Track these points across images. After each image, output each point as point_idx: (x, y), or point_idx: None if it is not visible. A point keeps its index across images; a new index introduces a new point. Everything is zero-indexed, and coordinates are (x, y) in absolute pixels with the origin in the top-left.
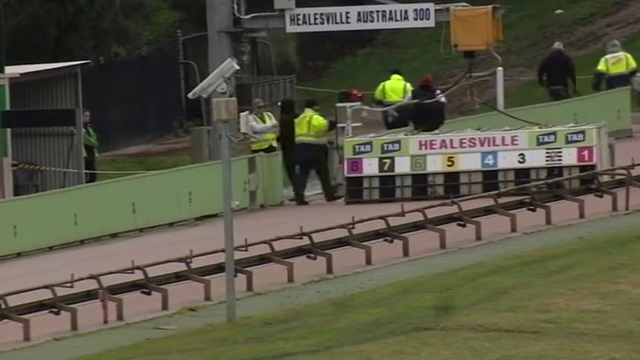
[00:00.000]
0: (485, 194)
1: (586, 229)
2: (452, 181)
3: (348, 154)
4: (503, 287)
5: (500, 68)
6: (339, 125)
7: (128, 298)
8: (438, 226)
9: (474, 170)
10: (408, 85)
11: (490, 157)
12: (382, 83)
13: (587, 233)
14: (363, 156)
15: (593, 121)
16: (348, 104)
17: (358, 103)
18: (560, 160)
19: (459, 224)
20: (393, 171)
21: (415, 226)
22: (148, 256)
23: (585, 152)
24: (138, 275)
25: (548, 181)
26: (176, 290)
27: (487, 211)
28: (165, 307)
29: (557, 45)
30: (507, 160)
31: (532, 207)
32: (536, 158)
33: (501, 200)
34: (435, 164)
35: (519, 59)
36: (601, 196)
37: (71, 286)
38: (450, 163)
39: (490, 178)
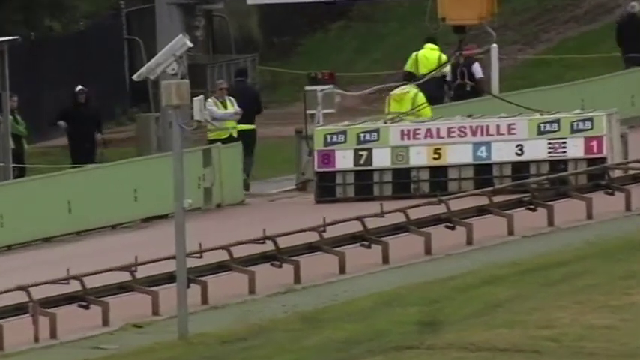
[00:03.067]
0: (478, 191)
1: (594, 231)
2: (439, 176)
3: (319, 146)
4: (499, 299)
5: (495, 45)
6: (308, 112)
7: (63, 313)
8: (423, 229)
9: (465, 164)
10: (444, 56)
11: (483, 148)
12: (414, 53)
13: (596, 236)
14: (336, 147)
15: (603, 107)
16: (318, 87)
17: (331, 86)
18: (564, 152)
19: (447, 226)
20: (370, 165)
21: (396, 229)
22: (87, 263)
23: (594, 143)
24: (74, 286)
25: (551, 176)
26: (119, 303)
27: (480, 211)
28: (106, 322)
29: (632, 6)
30: (503, 153)
31: (532, 206)
32: (537, 150)
33: (496, 199)
34: (420, 157)
35: (517, 35)
36: (612, 194)
37: None
38: (436, 156)
39: (483, 174)
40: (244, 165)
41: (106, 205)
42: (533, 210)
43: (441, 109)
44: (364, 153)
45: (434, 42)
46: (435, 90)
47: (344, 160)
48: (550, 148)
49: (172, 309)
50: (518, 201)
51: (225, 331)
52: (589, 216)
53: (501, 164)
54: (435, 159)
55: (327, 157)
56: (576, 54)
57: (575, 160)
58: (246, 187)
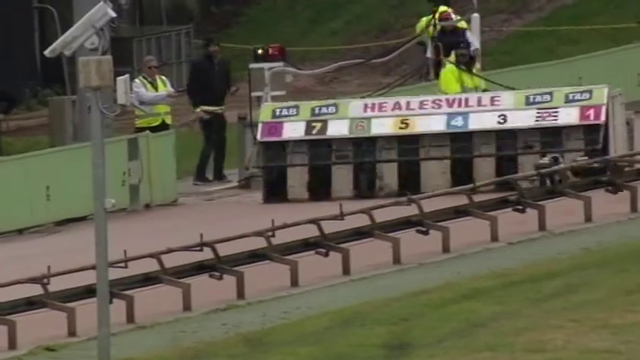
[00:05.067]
0: (456, 189)
1: (594, 237)
2: (406, 147)
3: (266, 119)
4: (481, 318)
5: (475, 15)
6: (254, 95)
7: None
8: (391, 234)
9: (437, 133)
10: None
11: (459, 118)
12: (425, 17)
13: (596, 243)
14: (286, 120)
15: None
16: (265, 65)
17: (280, 64)
18: (555, 120)
19: (419, 231)
20: (324, 135)
21: (359, 234)
22: None
23: (591, 111)
24: None
25: (543, 170)
26: (28, 322)
27: (458, 212)
28: (12, 345)
29: None
30: (483, 121)
31: (520, 206)
32: (523, 118)
33: (477, 197)
34: (383, 128)
35: (503, 3)
36: (615, 192)
37: None
38: (403, 126)
39: (460, 142)
40: (216, 159)
41: (13, 204)
42: (522, 211)
43: (412, 90)
44: (318, 124)
45: (447, 4)
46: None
47: (293, 131)
48: (538, 116)
49: (92, 329)
50: (503, 200)
51: (154, 356)
52: (587, 218)
53: (481, 133)
54: (401, 128)
55: (274, 128)
56: (572, 25)
57: (568, 128)
58: (220, 177)
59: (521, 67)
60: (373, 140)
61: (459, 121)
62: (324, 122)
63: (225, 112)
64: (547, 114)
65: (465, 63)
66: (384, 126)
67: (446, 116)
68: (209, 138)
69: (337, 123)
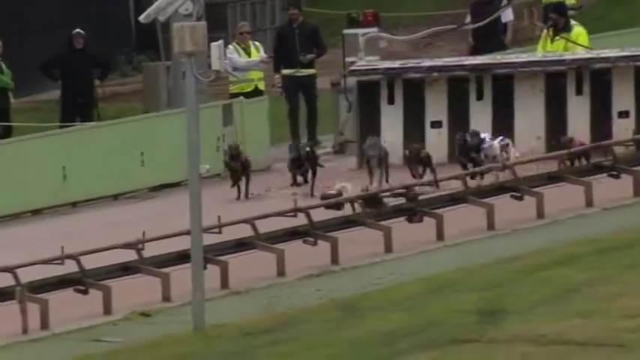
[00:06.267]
0: (550, 155)
1: None
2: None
3: None
4: (574, 284)
5: None
6: (347, 60)
7: (56, 299)
8: (484, 199)
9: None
10: None
11: None
12: None
13: None
14: None
15: None
16: (360, 31)
17: (374, 30)
18: None
19: (513, 196)
20: None
21: (452, 200)
22: (84, 240)
23: None
24: (70, 267)
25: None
26: (123, 287)
27: (552, 178)
28: (107, 310)
29: None
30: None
31: (615, 172)
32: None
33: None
34: None
35: None
36: None
37: None
38: None
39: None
40: (307, 124)
41: (108, 171)
42: (617, 176)
43: None
44: None
45: None
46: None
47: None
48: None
49: (186, 294)
50: (597, 166)
51: (248, 322)
52: None
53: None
54: None
55: None
56: None
57: None
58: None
59: (613, 33)
60: None
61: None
62: None
63: (311, 75)
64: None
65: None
66: None
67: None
68: (289, 102)
69: None
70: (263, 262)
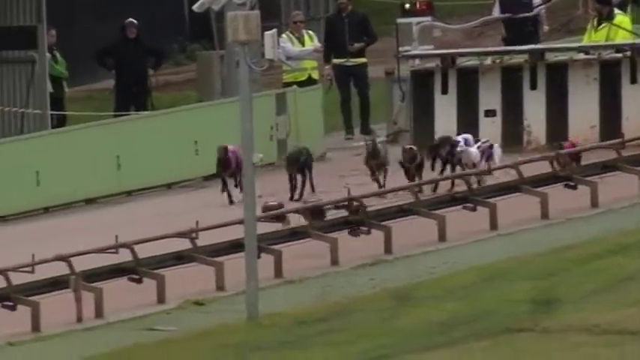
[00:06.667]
0: (605, 144)
1: None
2: None
3: None
4: (628, 273)
5: None
6: (401, 50)
7: (110, 288)
8: (538, 188)
9: None
10: None
11: None
12: None
13: None
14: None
15: None
16: (413, 20)
17: (428, 18)
18: None
19: (567, 185)
20: None
21: (506, 189)
22: (138, 229)
23: None
24: (124, 256)
25: None
26: (176, 276)
27: (606, 167)
28: (161, 299)
29: None
30: None
31: None
32: None
33: (625, 152)
34: None
35: None
36: None
37: (31, 271)
38: None
39: None
40: (360, 113)
41: (161, 160)
42: None
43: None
44: None
45: None
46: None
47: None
48: None
49: (240, 283)
50: None
51: (301, 311)
52: None
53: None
54: None
55: None
56: None
57: None
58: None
59: None
60: None
61: None
62: None
63: (361, 64)
64: None
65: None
66: None
67: None
68: (340, 93)
69: None
70: (317, 251)
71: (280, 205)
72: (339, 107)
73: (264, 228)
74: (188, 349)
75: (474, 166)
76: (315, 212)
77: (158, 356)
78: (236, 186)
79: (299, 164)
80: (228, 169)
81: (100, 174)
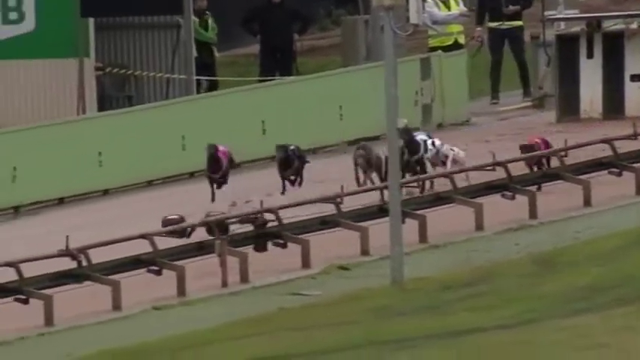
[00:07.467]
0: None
1: None
2: None
3: None
4: None
5: None
6: (546, 14)
7: (253, 253)
8: None
9: None
10: None
11: None
12: None
13: None
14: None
15: None
16: None
17: None
18: None
19: None
20: None
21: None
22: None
23: None
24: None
25: None
26: (321, 241)
27: None
28: (305, 264)
29: None
30: None
31: None
32: None
33: None
34: None
35: None
36: None
37: (184, 235)
38: None
39: None
40: (521, 76)
41: (306, 125)
42: None
43: None
44: None
45: None
46: None
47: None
48: None
49: (385, 248)
50: None
51: (446, 276)
52: None
53: None
54: None
55: None
56: None
57: None
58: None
59: None
60: None
61: None
62: None
63: (516, 27)
64: None
65: None
66: None
67: None
68: (492, 55)
69: None
70: (461, 216)
71: (181, 219)
72: (489, 71)
73: (166, 243)
74: (332, 313)
75: (444, 164)
76: (219, 227)
77: (302, 320)
78: (219, 187)
79: (292, 169)
80: (218, 170)
81: (245, 139)
